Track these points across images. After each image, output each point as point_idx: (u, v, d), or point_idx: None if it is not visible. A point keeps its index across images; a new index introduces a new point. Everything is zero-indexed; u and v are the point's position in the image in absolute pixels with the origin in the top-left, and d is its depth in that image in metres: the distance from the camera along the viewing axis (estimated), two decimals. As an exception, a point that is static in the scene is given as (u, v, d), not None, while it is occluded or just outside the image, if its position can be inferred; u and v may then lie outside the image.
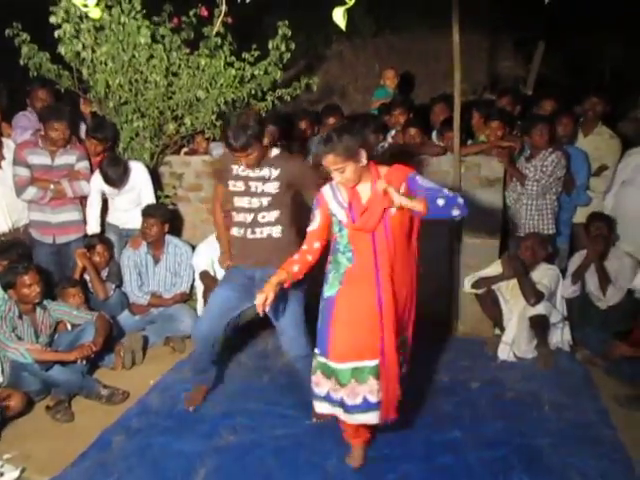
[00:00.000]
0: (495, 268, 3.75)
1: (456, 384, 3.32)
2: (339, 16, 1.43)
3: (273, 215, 2.79)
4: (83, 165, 3.88)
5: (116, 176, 3.78)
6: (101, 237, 3.99)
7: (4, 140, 3.93)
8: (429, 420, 2.96)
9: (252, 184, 2.78)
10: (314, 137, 4.40)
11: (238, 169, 2.81)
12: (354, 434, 2.59)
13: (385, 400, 2.41)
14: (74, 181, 3.82)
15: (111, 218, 4.11)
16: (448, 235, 3.92)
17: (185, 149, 4.38)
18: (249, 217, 2.81)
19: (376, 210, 2.31)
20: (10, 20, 3.82)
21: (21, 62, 3.91)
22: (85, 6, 1.51)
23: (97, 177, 3.90)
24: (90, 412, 3.11)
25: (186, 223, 4.38)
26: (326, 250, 2.54)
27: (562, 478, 2.54)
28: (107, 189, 3.94)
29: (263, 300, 2.37)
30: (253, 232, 2.82)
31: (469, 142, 4.18)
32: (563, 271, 3.83)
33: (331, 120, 4.23)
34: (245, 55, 3.99)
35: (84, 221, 3.99)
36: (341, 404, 2.41)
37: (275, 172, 2.76)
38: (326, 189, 2.47)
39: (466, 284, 3.81)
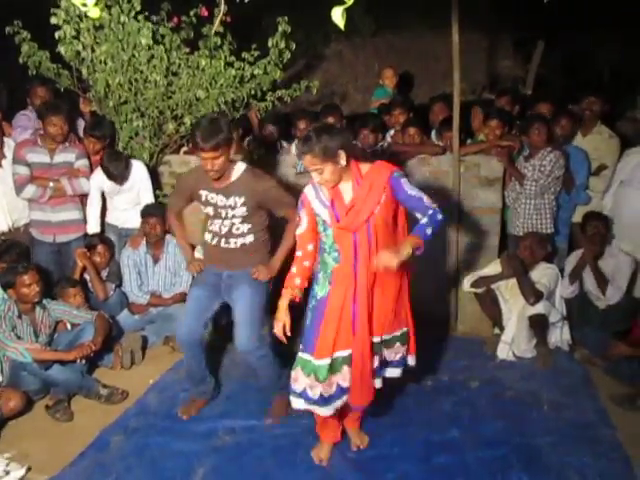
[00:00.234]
0: (494, 267, 3.75)
1: (455, 383, 3.32)
2: (338, 16, 1.43)
3: (246, 227, 2.83)
4: (82, 163, 3.88)
5: (118, 171, 3.78)
6: (102, 237, 3.99)
7: (5, 139, 3.93)
8: (428, 419, 2.96)
9: (221, 211, 2.79)
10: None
11: (207, 195, 2.79)
12: (322, 425, 2.64)
13: (357, 387, 2.46)
14: (73, 179, 3.82)
15: (110, 218, 4.11)
16: (447, 235, 3.92)
17: (184, 149, 4.38)
18: (224, 229, 2.84)
19: (362, 210, 2.32)
20: (10, 18, 3.82)
21: (20, 60, 3.91)
22: (84, 5, 1.51)
23: (97, 175, 3.90)
24: (89, 411, 3.11)
25: (186, 222, 4.37)
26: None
27: (561, 477, 2.55)
28: (107, 188, 3.93)
29: (281, 328, 2.42)
30: (227, 242, 2.86)
31: (468, 142, 4.19)
32: (562, 270, 3.83)
33: (330, 120, 4.23)
34: (245, 55, 3.99)
35: (84, 220, 3.99)
36: (316, 402, 2.44)
37: (240, 200, 2.74)
38: (309, 189, 2.46)
39: (465, 283, 3.82)
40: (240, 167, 2.78)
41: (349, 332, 2.40)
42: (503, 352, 3.60)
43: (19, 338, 3.14)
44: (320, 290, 2.47)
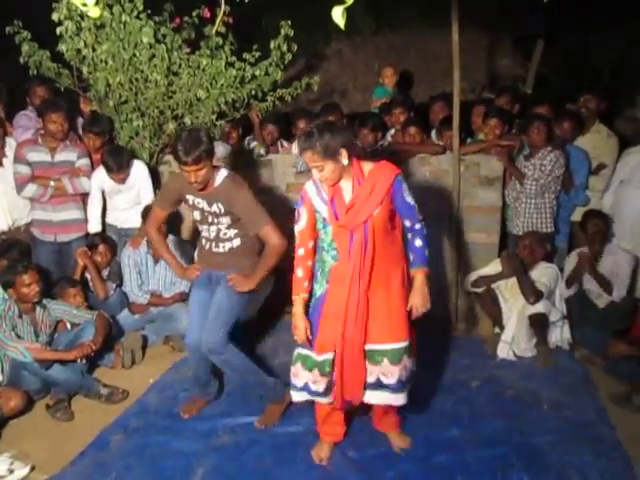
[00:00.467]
0: (494, 267, 3.76)
1: (455, 383, 3.32)
2: (338, 15, 1.43)
3: (233, 232, 2.84)
4: (84, 162, 3.88)
5: (119, 163, 3.77)
6: (104, 237, 3.99)
7: (6, 139, 3.94)
8: (428, 418, 2.96)
9: (208, 217, 2.80)
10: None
11: (194, 200, 2.79)
12: (324, 424, 2.63)
13: (341, 389, 2.43)
14: (74, 178, 3.83)
15: (109, 218, 4.11)
16: (447, 234, 3.92)
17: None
18: (212, 234, 2.87)
19: (362, 209, 2.30)
20: (10, 18, 3.82)
21: (21, 60, 3.91)
22: (84, 5, 1.51)
23: (98, 174, 3.91)
24: (90, 411, 3.11)
25: (186, 222, 4.38)
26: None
27: (561, 476, 2.55)
28: (107, 187, 3.93)
29: (303, 332, 2.42)
30: (217, 246, 2.88)
31: (468, 141, 4.19)
32: (562, 269, 3.83)
33: (330, 119, 4.23)
34: (246, 55, 3.99)
35: (86, 220, 3.99)
36: (320, 393, 2.44)
37: (222, 207, 2.74)
38: (309, 185, 2.43)
39: (466, 283, 3.82)
40: (222, 173, 2.76)
41: (338, 333, 2.36)
42: (503, 351, 3.59)
43: (19, 338, 3.14)
44: (318, 289, 2.46)
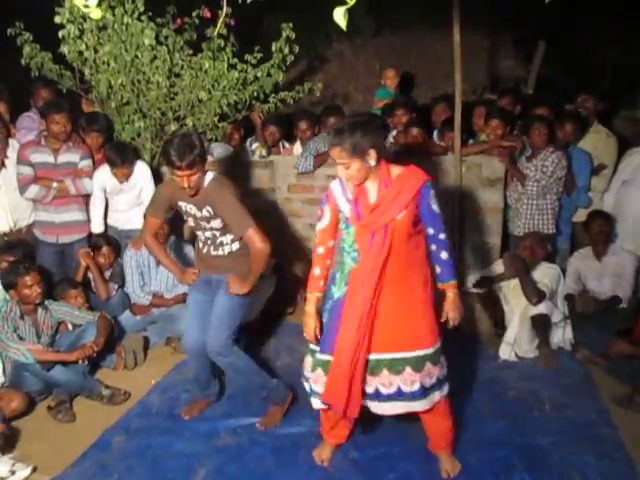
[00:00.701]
0: (496, 268, 3.75)
1: (457, 384, 3.31)
2: (340, 16, 1.43)
3: (229, 237, 2.82)
4: (86, 163, 3.89)
5: (123, 157, 3.78)
6: (108, 238, 3.98)
7: (10, 140, 3.95)
8: (430, 420, 2.95)
9: (201, 222, 2.79)
10: (315, 137, 4.42)
11: (186, 206, 2.77)
12: (329, 427, 2.60)
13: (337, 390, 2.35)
14: (77, 179, 3.83)
15: (110, 220, 4.11)
16: (449, 235, 3.91)
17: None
18: (209, 241, 2.85)
19: (386, 212, 2.24)
20: (12, 20, 3.83)
21: (23, 62, 3.92)
22: (86, 7, 1.51)
23: (100, 173, 3.91)
24: (91, 412, 3.11)
25: (187, 222, 4.38)
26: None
27: (563, 477, 2.54)
28: (109, 186, 3.93)
29: (312, 331, 2.42)
30: (216, 250, 2.86)
31: (470, 142, 4.19)
32: (564, 271, 3.83)
33: (332, 120, 4.24)
34: (248, 57, 3.99)
35: (88, 221, 4.00)
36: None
37: (211, 209, 2.71)
38: (335, 184, 2.38)
39: (468, 284, 3.81)
40: (209, 176, 2.74)
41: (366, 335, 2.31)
42: (505, 352, 3.59)
43: (21, 339, 3.14)
44: (337, 291, 2.40)
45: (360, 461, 2.65)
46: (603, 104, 4.27)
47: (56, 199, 3.81)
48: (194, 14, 3.95)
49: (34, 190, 3.76)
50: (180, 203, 2.79)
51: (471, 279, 3.80)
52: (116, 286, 3.93)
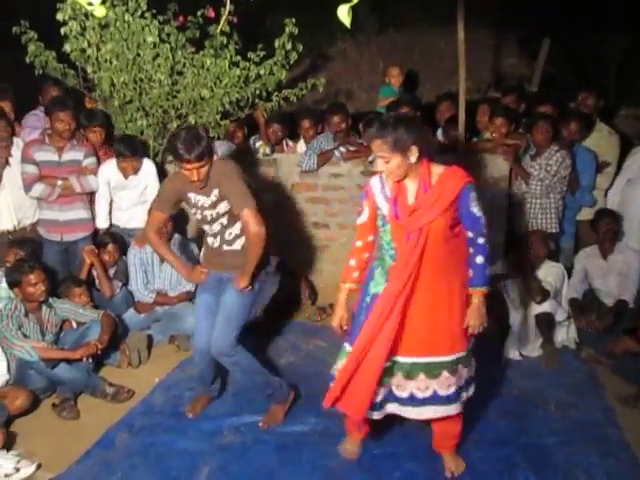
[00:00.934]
0: (500, 266, 3.74)
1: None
2: (344, 13, 1.42)
3: (237, 228, 2.79)
4: (90, 161, 3.90)
5: (132, 148, 3.80)
6: (114, 236, 3.99)
7: (14, 139, 3.95)
8: (434, 418, 2.94)
9: (206, 213, 2.77)
10: (319, 135, 4.41)
11: (195, 197, 2.75)
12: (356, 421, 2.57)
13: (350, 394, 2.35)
14: (82, 177, 3.84)
15: (112, 219, 4.11)
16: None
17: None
18: (217, 236, 2.83)
19: (426, 214, 2.21)
20: (16, 18, 3.83)
21: (27, 60, 3.92)
22: (90, 4, 1.51)
23: (105, 167, 3.92)
24: (95, 410, 3.12)
25: (191, 222, 4.39)
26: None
27: (568, 477, 2.53)
28: (114, 181, 3.93)
29: (339, 322, 2.42)
30: (228, 245, 2.84)
31: (474, 140, 4.17)
32: (569, 270, 3.82)
33: (336, 119, 4.24)
34: (250, 55, 3.99)
35: (92, 220, 4.00)
36: (373, 406, 2.38)
37: (216, 191, 2.69)
38: (374, 181, 2.36)
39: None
40: (214, 161, 2.73)
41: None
42: (509, 351, 3.58)
43: (26, 337, 3.15)
44: (374, 287, 2.36)
45: (364, 460, 2.65)
46: (604, 101, 4.25)
47: (61, 197, 3.82)
48: (199, 13, 3.94)
49: (39, 189, 3.77)
50: (189, 194, 2.77)
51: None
52: (120, 284, 3.93)
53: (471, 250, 2.32)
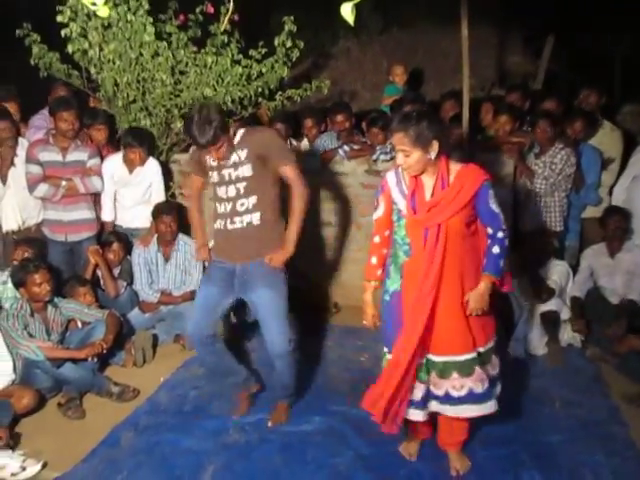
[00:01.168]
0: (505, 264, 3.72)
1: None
2: (347, 11, 1.42)
3: (251, 201, 2.70)
4: (95, 162, 3.91)
5: (139, 139, 3.82)
6: (118, 235, 4.00)
7: (20, 139, 3.97)
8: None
9: (225, 172, 2.70)
10: (322, 134, 4.41)
11: (210, 160, 2.71)
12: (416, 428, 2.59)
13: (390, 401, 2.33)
14: (86, 177, 3.85)
15: (116, 218, 4.12)
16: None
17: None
18: (228, 206, 2.73)
19: (444, 211, 2.22)
20: (20, 20, 3.84)
21: (32, 62, 3.94)
22: (93, 4, 1.51)
23: (109, 162, 3.94)
24: (101, 409, 3.13)
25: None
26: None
27: (573, 475, 2.52)
28: (117, 175, 3.93)
29: (371, 319, 2.45)
30: (232, 222, 2.72)
31: (478, 138, 4.16)
32: (573, 268, 3.80)
33: (339, 118, 4.24)
34: (252, 52, 3.99)
35: (97, 220, 4.02)
36: (417, 404, 2.38)
37: (243, 153, 2.65)
38: (390, 175, 2.36)
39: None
40: (240, 131, 2.72)
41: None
42: (514, 349, 3.57)
43: (31, 336, 3.16)
44: (391, 284, 2.37)
45: (370, 458, 2.65)
46: (606, 99, 4.22)
47: (65, 198, 3.83)
48: (197, 10, 3.94)
49: (43, 189, 3.78)
50: (207, 156, 2.70)
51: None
52: (125, 284, 3.94)
53: (489, 241, 2.33)
